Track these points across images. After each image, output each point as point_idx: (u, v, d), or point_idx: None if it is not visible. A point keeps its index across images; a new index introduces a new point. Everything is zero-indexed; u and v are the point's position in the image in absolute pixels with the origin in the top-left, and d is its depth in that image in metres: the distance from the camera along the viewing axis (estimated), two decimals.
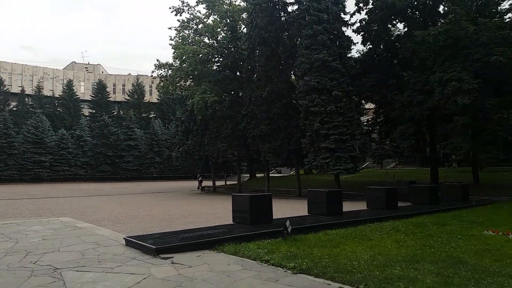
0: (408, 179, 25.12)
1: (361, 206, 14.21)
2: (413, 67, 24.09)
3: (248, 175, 47.50)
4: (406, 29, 25.94)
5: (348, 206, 14.08)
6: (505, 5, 26.55)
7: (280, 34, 26.53)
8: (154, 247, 7.18)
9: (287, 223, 8.49)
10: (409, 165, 52.17)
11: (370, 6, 25.73)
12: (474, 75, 20.11)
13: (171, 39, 31.59)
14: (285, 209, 16.09)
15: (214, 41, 31.68)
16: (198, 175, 42.02)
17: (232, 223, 10.07)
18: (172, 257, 6.82)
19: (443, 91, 19.35)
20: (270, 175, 34.92)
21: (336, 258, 6.39)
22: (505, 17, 24.01)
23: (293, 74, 27.59)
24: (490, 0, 23.10)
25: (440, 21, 23.22)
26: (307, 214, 11.93)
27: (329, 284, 5.19)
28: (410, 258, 6.35)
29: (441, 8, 25.11)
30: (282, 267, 6.04)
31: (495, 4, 23.44)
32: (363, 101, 28.21)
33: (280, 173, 54.14)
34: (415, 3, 24.28)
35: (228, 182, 43.12)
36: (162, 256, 6.89)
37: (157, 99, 72.40)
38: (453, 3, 22.00)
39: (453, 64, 19.90)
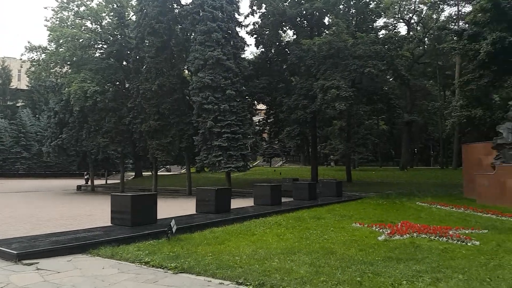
0: (292, 176, 27.03)
1: (249, 202, 14.75)
2: (300, 73, 26.08)
3: (134, 174, 45.15)
4: (295, 36, 27.89)
5: (237, 203, 14.46)
6: (380, 23, 30.68)
7: (173, 26, 25.81)
8: (15, 252, 6.42)
9: (172, 222, 8.28)
10: (294, 163, 56.42)
11: (263, 10, 26.94)
12: (351, 84, 22.69)
13: (46, 20, 28.03)
14: (173, 208, 15.73)
15: (98, 26, 29.14)
16: (85, 172, 38.56)
17: (111, 225, 9.39)
18: (38, 262, 6.13)
19: (324, 97, 21.36)
20: (159, 173, 33.75)
21: (219, 255, 6.47)
22: (379, 33, 27.78)
23: (186, 69, 27.14)
24: (368, 17, 26.42)
25: (325, 32, 25.60)
26: (196, 212, 11.87)
27: (210, 281, 5.22)
28: (288, 250, 6.80)
29: (326, 20, 27.70)
30: (163, 268, 5.86)
31: (371, 21, 26.88)
32: (255, 102, 29.38)
33: (170, 172, 52.82)
34: (304, 13, 26.26)
35: (109, 181, 40.15)
36: (25, 262, 6.16)
37: (27, 85, 63.54)
38: (336, 16, 24.52)
39: (333, 73, 22.13)
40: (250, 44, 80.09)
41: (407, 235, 7.94)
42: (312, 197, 15.92)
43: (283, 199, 14.91)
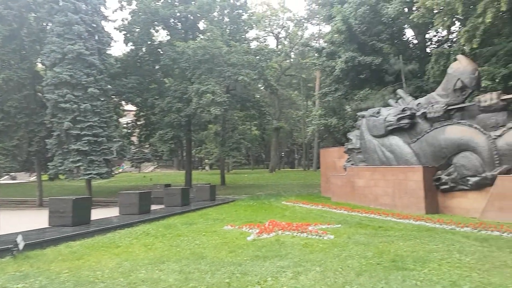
0: (164, 182, 26.28)
1: (114, 212, 13.68)
2: (174, 75, 25.66)
3: None
4: (169, 37, 27.33)
5: (99, 214, 13.25)
6: (252, 34, 32.38)
7: (26, 14, 22.45)
8: None
9: (18, 238, 7.12)
10: (167, 168, 55.04)
11: (134, 7, 25.65)
12: (226, 90, 23.33)
13: None
14: (21, 222, 13.52)
15: None
16: None
17: None
18: None
19: (199, 101, 21.46)
20: (1, 182, 28.73)
21: (77, 271, 5.82)
22: (251, 44, 29.34)
23: (40, 62, 23.84)
24: (241, 27, 27.63)
25: (200, 37, 25.80)
26: (49, 226, 10.42)
27: None
28: (157, 260, 6.50)
29: (201, 25, 27.93)
30: None
31: (244, 31, 28.20)
32: (123, 102, 27.63)
33: (16, 179, 45.47)
34: (178, 15, 25.97)
35: None
36: None
37: None
38: (211, 23, 24.97)
39: (208, 78, 22.44)
40: (118, 41, 75.28)
41: (273, 233, 8.48)
42: (185, 202, 15.71)
43: (154, 207, 14.32)
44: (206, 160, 50.75)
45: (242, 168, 52.27)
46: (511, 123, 10.43)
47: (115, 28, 25.81)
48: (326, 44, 23.67)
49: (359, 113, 16.02)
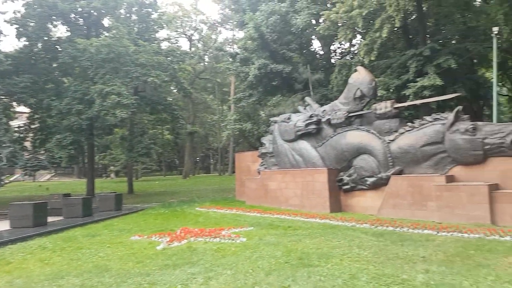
0: (63, 191, 24.06)
1: (4, 226, 12.13)
2: (74, 74, 23.72)
3: None
4: (69, 34, 25.21)
5: None
6: (163, 34, 31.50)
7: None
8: None
9: None
10: (66, 176, 50.54)
11: None
12: (133, 91, 22.27)
13: None
14: None
15: None
16: None
17: None
18: None
19: (103, 103, 20.12)
20: None
21: None
22: (161, 44, 28.49)
23: None
24: (150, 27, 26.68)
25: (104, 34, 24.28)
26: None
27: None
28: (55, 275, 5.96)
29: (106, 22, 26.31)
30: None
31: (154, 31, 27.27)
32: (14, 103, 24.68)
33: None
34: (79, 10, 24.12)
35: None
36: None
37: None
38: (117, 20, 23.69)
39: (114, 78, 21.19)
40: (8, 35, 66.97)
41: (185, 240, 8.35)
42: (86, 213, 14.56)
43: (51, 219, 13.03)
44: (112, 167, 47.81)
45: (153, 175, 50.42)
46: (403, 129, 11.79)
47: (5, 21, 22.96)
48: (240, 50, 24.19)
49: (271, 119, 16.66)
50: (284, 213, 12.39)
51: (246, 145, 27.51)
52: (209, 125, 45.20)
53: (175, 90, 30.13)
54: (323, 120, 13.97)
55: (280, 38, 22.01)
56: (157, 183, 35.68)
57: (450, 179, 10.49)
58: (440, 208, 10.11)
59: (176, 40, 42.92)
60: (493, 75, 14.76)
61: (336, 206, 12.94)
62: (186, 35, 46.50)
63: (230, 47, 41.77)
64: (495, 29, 14.11)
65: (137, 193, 27.21)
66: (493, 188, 9.54)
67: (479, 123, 10.42)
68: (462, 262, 5.68)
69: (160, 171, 53.24)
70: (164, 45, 29.09)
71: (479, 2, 20.81)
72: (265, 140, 16.63)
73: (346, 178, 12.94)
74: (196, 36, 47.49)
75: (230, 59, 25.11)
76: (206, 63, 46.62)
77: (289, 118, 15.18)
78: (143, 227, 11.42)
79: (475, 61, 22.05)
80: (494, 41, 14.17)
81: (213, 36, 47.59)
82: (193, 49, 43.00)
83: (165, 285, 5.17)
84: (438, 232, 8.30)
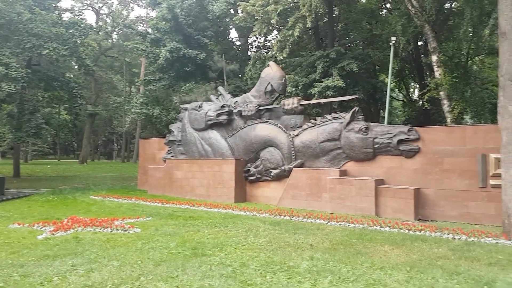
0: None
1: None
2: None
3: None
4: None
5: None
6: (65, 4, 28.48)
7: None
8: None
9: None
10: None
11: None
12: (26, 64, 19.83)
13: None
14: None
15: None
16: None
17: None
18: None
19: None
20: None
21: None
22: (63, 15, 25.78)
23: None
24: None
25: None
26: None
27: None
28: None
29: None
30: None
31: None
32: None
33: None
34: None
35: None
36: None
37: None
38: None
39: (2, 47, 18.67)
40: None
41: (72, 230, 7.73)
42: None
43: None
44: None
45: (46, 158, 45.84)
46: (306, 125, 12.45)
47: None
48: (151, 30, 23.09)
49: (182, 106, 16.29)
50: (188, 203, 12.27)
51: (153, 131, 26.48)
52: (113, 108, 42.29)
53: (76, 67, 27.61)
54: (235, 111, 14.10)
55: (196, 23, 21.54)
56: (49, 167, 32.53)
57: (343, 173, 11.42)
58: (333, 199, 10.97)
59: (81, 12, 39.37)
60: (388, 80, 16.39)
61: (241, 197, 13.23)
62: (93, 8, 42.88)
63: (143, 26, 39.73)
64: (393, 39, 15.67)
65: (24, 177, 24.50)
66: (379, 183, 10.63)
67: (371, 124, 11.46)
68: (344, 250, 6.21)
69: (55, 154, 48.58)
70: (66, 16, 26.43)
71: (385, 12, 22.94)
72: (174, 127, 16.22)
73: (252, 169, 13.28)
74: (105, 10, 44.15)
75: (140, 39, 23.80)
76: (114, 40, 43.55)
77: (200, 107, 15.01)
78: (26, 214, 10.33)
79: (377, 67, 24.24)
80: (392, 49, 15.74)
81: (124, 13, 44.74)
82: (100, 23, 39.78)
83: (40, 277, 4.71)
84: (328, 222, 8.98)
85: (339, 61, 16.94)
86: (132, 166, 32.82)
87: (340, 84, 15.94)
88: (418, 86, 25.35)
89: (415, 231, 7.83)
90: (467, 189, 9.76)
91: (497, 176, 8.55)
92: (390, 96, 30.56)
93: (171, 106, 22.09)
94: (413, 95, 29.34)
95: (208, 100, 15.99)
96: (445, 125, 14.85)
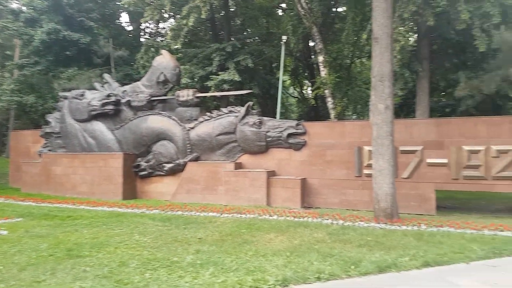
0: None
1: None
2: None
3: None
4: None
5: None
6: None
7: None
8: None
9: None
10: None
11: None
12: None
13: None
14: None
15: None
16: None
17: None
18: None
19: None
20: None
21: None
22: None
23: None
24: None
25: None
26: None
27: None
28: None
29: None
30: None
31: None
32: None
33: None
34: None
35: None
36: None
37: None
38: None
39: None
40: None
41: None
42: None
43: None
44: None
45: None
46: (202, 118, 12.36)
47: None
48: (26, 7, 20.43)
49: (61, 94, 14.79)
50: (68, 202, 11.24)
51: (27, 122, 23.53)
52: None
53: None
54: (123, 101, 13.31)
55: (79, 4, 19.68)
56: None
57: (239, 165, 11.67)
58: (228, 192, 11.14)
59: None
60: (280, 77, 17.17)
61: (130, 193, 12.58)
62: None
63: (17, 3, 34.98)
64: (284, 38, 16.47)
65: None
66: (271, 174, 11.12)
67: (265, 118, 11.91)
68: (232, 241, 6.32)
69: None
70: None
71: (281, 11, 23.90)
72: (51, 117, 14.65)
73: (143, 164, 12.72)
74: None
75: (11, 17, 20.85)
76: None
77: (82, 95, 13.81)
78: None
79: (274, 64, 25.19)
80: (283, 48, 16.52)
81: None
82: None
83: None
84: (221, 214, 9.07)
85: (235, 56, 17.19)
86: (4, 162, 28.77)
87: (236, 78, 16.19)
88: (310, 84, 27.16)
89: (299, 218, 8.37)
90: (345, 178, 10.81)
91: (370, 166, 9.58)
92: (287, 93, 32.30)
93: (50, 94, 19.85)
94: (307, 92, 31.33)
95: (92, 88, 14.79)
96: (329, 120, 16.17)
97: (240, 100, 18.89)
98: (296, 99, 33.13)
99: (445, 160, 10.00)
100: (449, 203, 12.17)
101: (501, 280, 4.60)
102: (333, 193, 10.90)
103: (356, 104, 21.58)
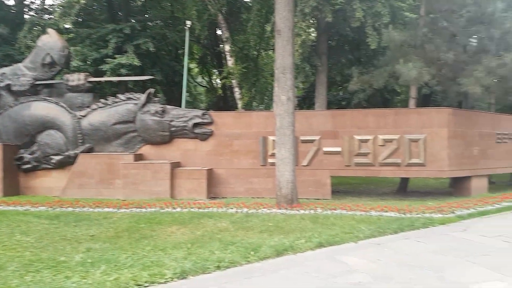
0: None
1: None
2: None
3: None
4: None
5: None
6: None
7: None
8: None
9: None
10: None
11: None
12: None
13: None
14: None
15: None
16: None
17: None
18: None
19: None
20: None
21: None
22: None
23: None
24: None
25: None
26: None
27: None
28: None
29: None
30: None
31: None
32: None
33: None
34: None
35: None
36: None
37: None
38: None
39: None
40: None
41: None
42: None
43: None
44: None
45: None
46: (95, 105, 11.50)
47: None
48: None
49: None
50: None
51: None
52: None
53: None
54: (2, 85, 11.84)
55: None
56: None
57: (139, 157, 11.15)
58: (126, 185, 10.58)
59: None
60: (184, 64, 16.74)
61: (12, 189, 11.26)
62: None
63: None
64: (188, 23, 16.08)
65: None
66: (175, 165, 10.87)
67: (168, 106, 11.56)
68: (128, 237, 6.03)
69: None
70: None
71: None
72: None
73: (27, 156, 11.45)
74: None
75: None
76: None
77: None
78: None
79: (180, 51, 24.41)
80: (187, 33, 16.12)
81: None
82: None
83: None
84: (118, 209, 8.61)
85: (135, 38, 16.27)
86: None
87: (135, 63, 15.32)
88: (218, 73, 27.04)
89: (204, 209, 8.35)
90: (251, 167, 11.09)
91: (274, 155, 9.94)
92: (195, 82, 31.69)
93: None
94: (216, 82, 31.15)
95: None
96: (236, 111, 16.35)
97: (142, 87, 17.98)
98: (205, 88, 32.79)
99: (339, 149, 10.86)
100: (343, 188, 13.30)
101: (383, 256, 5.15)
102: (240, 182, 11.11)
103: (263, 95, 22.14)
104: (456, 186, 11.93)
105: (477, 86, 10.73)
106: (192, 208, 8.52)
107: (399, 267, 4.67)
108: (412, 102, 12.47)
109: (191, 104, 27.46)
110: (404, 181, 12.97)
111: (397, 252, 5.33)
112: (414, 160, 10.63)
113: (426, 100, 19.67)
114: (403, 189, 12.89)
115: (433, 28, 12.52)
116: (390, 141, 10.71)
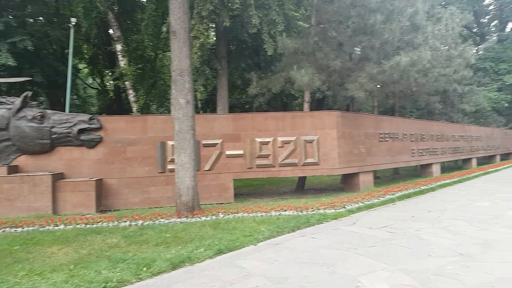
0: None
1: None
2: None
3: None
4: None
5: None
6: None
7: None
8: None
9: None
10: None
11: None
12: None
13: None
14: None
15: None
16: None
17: None
18: None
19: None
20: None
21: None
22: None
23: None
24: None
25: None
26: None
27: None
28: None
29: None
30: None
31: None
32: None
33: None
34: None
35: None
36: None
37: None
38: None
39: None
40: None
41: None
42: None
43: None
44: None
45: None
46: None
47: None
48: None
49: None
50: None
51: None
52: None
53: None
54: None
55: None
56: None
57: (14, 169, 9.82)
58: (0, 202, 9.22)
59: None
60: (69, 64, 15.34)
61: None
62: None
63: None
64: (73, 20, 14.79)
65: None
66: (58, 177, 9.79)
67: (49, 111, 10.41)
68: None
69: None
70: None
71: None
72: None
73: None
74: None
75: None
76: None
77: None
78: None
79: (67, 51, 22.34)
80: (71, 31, 14.83)
81: None
82: None
83: None
84: None
85: (10, 36, 14.42)
86: None
87: (10, 63, 13.57)
88: (110, 74, 25.38)
89: (92, 224, 7.63)
90: (148, 175, 10.53)
91: (173, 161, 9.56)
92: (85, 84, 29.29)
93: None
94: (108, 83, 29.20)
95: None
96: (130, 114, 15.49)
97: (19, 90, 16.03)
98: (97, 90, 30.56)
99: (241, 152, 10.96)
100: (246, 190, 13.47)
101: (280, 256, 5.24)
102: (135, 192, 10.46)
103: (162, 98, 21.42)
104: (347, 182, 12.93)
105: (362, 91, 11.77)
106: (78, 224, 7.71)
107: (295, 266, 4.78)
108: (306, 106, 13.17)
109: (80, 108, 25.43)
110: (302, 179, 13.65)
111: (293, 251, 5.47)
112: (309, 160, 11.26)
113: (319, 104, 21.08)
114: (301, 187, 13.56)
115: (323, 37, 13.43)
116: (288, 142, 11.17)
